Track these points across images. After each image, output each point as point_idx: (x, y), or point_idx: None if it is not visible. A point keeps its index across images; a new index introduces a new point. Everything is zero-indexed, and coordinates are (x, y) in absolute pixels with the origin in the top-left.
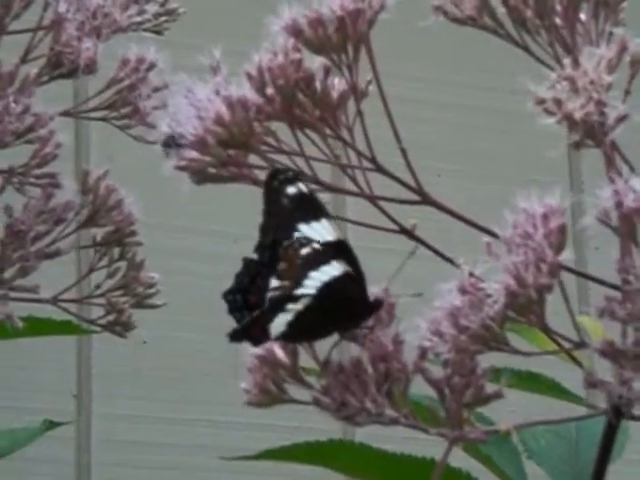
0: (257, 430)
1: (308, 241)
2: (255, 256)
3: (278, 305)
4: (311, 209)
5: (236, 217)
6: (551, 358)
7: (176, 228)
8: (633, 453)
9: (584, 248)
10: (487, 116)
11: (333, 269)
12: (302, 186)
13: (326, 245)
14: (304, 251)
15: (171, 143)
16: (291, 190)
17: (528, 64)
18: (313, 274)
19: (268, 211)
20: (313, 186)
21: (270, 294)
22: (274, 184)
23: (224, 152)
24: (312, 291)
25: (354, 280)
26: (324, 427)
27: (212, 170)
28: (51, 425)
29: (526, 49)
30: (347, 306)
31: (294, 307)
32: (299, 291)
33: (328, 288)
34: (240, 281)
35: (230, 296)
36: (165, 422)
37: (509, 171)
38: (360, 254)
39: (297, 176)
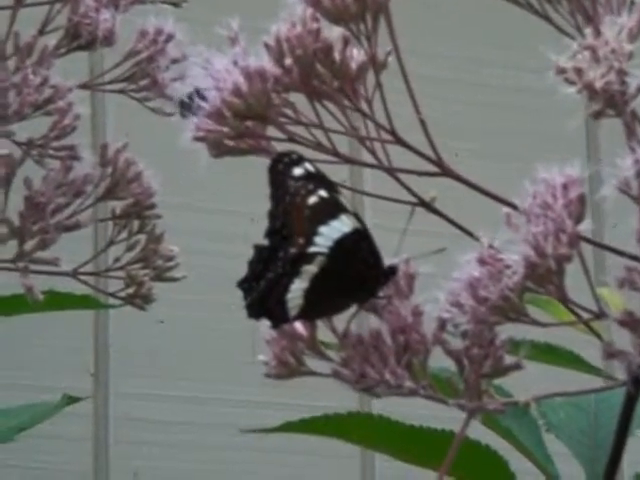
0: (273, 409)
1: (315, 188)
2: (266, 242)
3: (292, 266)
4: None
5: (253, 196)
6: (570, 331)
7: (193, 207)
8: None
9: (601, 221)
10: (505, 94)
11: (343, 225)
12: (308, 165)
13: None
14: (312, 200)
15: (188, 104)
16: (297, 171)
17: (546, 40)
18: (323, 229)
19: (275, 196)
20: (330, 158)
21: (282, 253)
22: (279, 167)
23: (241, 123)
24: (324, 250)
25: (365, 238)
26: (341, 405)
27: (229, 142)
28: (70, 400)
29: (547, 18)
30: (361, 268)
31: (308, 269)
32: (311, 249)
33: (340, 246)
34: (254, 269)
35: (245, 285)
36: (181, 400)
37: (527, 150)
38: (378, 233)
39: (301, 157)
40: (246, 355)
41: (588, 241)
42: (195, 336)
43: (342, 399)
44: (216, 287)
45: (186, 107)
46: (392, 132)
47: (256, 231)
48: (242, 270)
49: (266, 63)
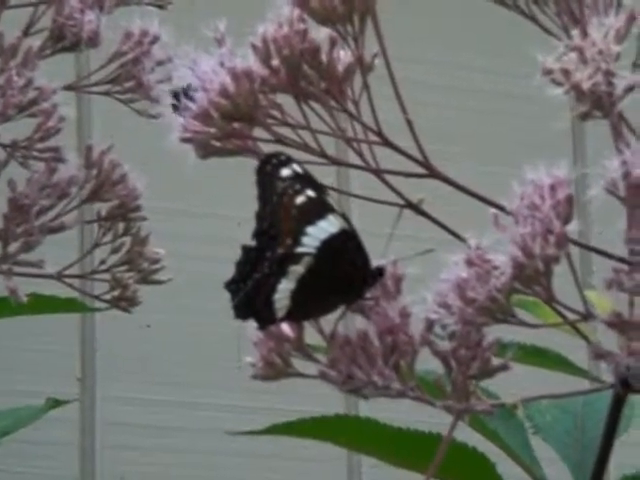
0: (261, 414)
1: (303, 188)
2: (253, 243)
3: (279, 266)
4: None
5: (239, 201)
6: (557, 335)
7: (180, 212)
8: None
9: (588, 224)
10: (493, 99)
11: (330, 225)
12: (296, 166)
13: (320, 196)
14: (299, 200)
15: (179, 97)
16: (285, 172)
17: (537, 47)
18: (310, 229)
19: (263, 197)
20: (317, 159)
21: (269, 253)
22: (267, 168)
23: (228, 124)
24: (311, 250)
25: (352, 239)
26: (328, 411)
27: (216, 143)
28: (54, 404)
29: (533, 19)
30: (348, 268)
31: (295, 269)
32: (298, 250)
33: (327, 247)
34: (241, 270)
35: (233, 286)
36: (168, 405)
37: (515, 155)
38: (364, 237)
39: (289, 158)
40: (234, 360)
41: (575, 243)
42: (182, 340)
43: (329, 404)
44: (203, 292)
45: (178, 100)
46: (379, 133)
47: (243, 235)
48: (229, 274)
49: (253, 64)
